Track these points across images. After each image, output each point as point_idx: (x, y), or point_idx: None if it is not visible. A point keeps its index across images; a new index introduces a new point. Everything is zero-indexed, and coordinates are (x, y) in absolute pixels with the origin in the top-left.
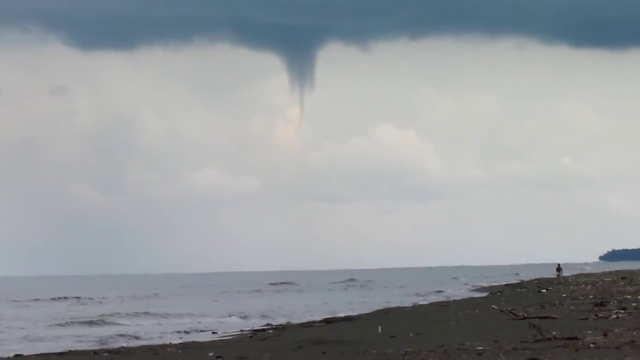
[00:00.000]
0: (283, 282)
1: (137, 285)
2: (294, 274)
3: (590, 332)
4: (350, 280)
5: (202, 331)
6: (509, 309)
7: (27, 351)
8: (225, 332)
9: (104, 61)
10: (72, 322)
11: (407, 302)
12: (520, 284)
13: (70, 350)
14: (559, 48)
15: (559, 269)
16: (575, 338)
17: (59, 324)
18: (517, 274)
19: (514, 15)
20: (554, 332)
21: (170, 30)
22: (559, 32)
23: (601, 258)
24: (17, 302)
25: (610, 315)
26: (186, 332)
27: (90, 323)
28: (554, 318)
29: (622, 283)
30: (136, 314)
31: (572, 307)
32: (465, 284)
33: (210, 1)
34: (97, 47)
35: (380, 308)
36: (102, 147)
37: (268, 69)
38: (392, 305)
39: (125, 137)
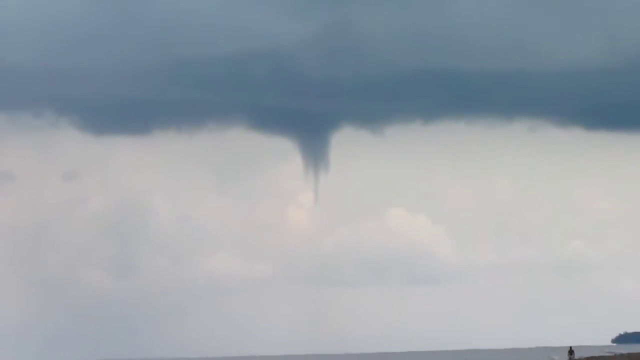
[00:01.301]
0: None
1: None
2: (306, 359)
3: None
4: None
5: None
6: None
7: None
8: None
9: (116, 146)
10: None
11: None
12: None
13: None
14: (572, 131)
15: (570, 351)
16: None
17: None
18: (530, 358)
19: (527, 98)
20: None
21: (183, 115)
22: (572, 115)
23: (613, 341)
24: None
25: None
26: None
27: None
28: None
29: None
30: None
31: None
32: None
33: (224, 86)
34: (109, 132)
35: None
36: (114, 232)
37: (280, 154)
38: None
39: (138, 222)
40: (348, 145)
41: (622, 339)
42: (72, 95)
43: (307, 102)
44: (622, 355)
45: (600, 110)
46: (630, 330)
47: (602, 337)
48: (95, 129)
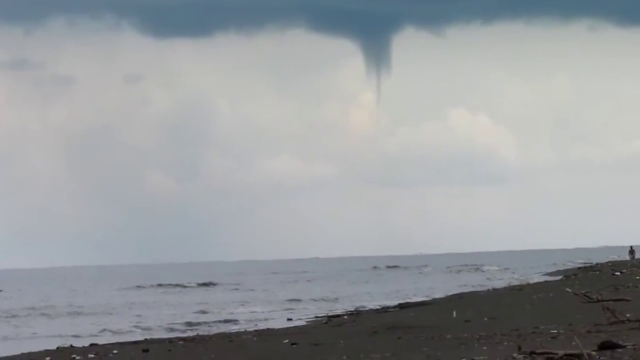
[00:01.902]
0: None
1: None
2: (366, 260)
3: None
4: (424, 265)
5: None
6: (582, 292)
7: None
8: (300, 318)
9: (177, 49)
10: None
11: (482, 286)
12: (594, 267)
13: (145, 339)
14: (633, 30)
15: (631, 251)
16: None
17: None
18: (590, 257)
19: None
20: (627, 315)
21: (244, 16)
22: (633, 14)
23: None
24: (147, 288)
25: None
26: (266, 319)
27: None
28: (627, 300)
29: None
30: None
31: None
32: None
33: None
34: (170, 35)
35: (454, 292)
36: (176, 135)
37: (341, 55)
38: (467, 289)
39: (199, 124)
40: (409, 46)
41: None
42: None
43: (368, 2)
44: None
45: None
46: None
47: None
48: (155, 31)
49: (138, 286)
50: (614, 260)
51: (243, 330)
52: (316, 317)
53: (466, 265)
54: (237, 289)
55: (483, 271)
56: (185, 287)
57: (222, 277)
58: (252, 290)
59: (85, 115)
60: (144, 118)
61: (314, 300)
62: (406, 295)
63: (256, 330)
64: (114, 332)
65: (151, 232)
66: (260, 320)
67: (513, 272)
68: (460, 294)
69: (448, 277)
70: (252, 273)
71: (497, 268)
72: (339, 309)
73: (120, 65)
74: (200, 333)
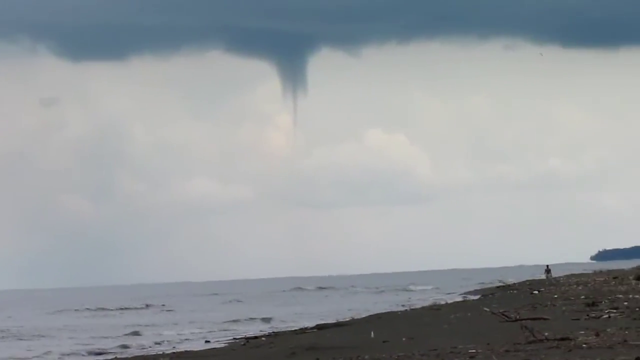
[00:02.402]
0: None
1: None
2: (283, 281)
3: (582, 332)
4: (345, 286)
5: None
6: (501, 311)
7: None
8: (217, 340)
9: (93, 72)
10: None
11: (400, 306)
12: (512, 286)
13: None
14: (549, 48)
15: (547, 270)
16: (567, 339)
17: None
18: (508, 276)
19: (503, 16)
20: (546, 333)
21: (161, 39)
22: (549, 33)
23: (592, 258)
24: (80, 311)
25: (602, 315)
26: (183, 340)
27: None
28: (546, 319)
29: (614, 282)
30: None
31: (564, 308)
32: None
33: (201, 9)
34: (86, 58)
35: (372, 313)
36: (92, 158)
37: (257, 77)
38: (385, 310)
39: (116, 147)
40: (325, 66)
41: (601, 256)
42: (48, 21)
43: (284, 23)
44: (601, 272)
45: (576, 27)
46: (609, 247)
47: (581, 255)
48: (71, 54)
49: (62, 310)
50: (532, 279)
51: (161, 352)
52: (234, 339)
53: (386, 285)
54: (171, 311)
55: (407, 291)
56: (110, 310)
57: (149, 299)
58: (184, 311)
59: (1, 138)
60: (60, 141)
61: (251, 319)
62: (339, 315)
63: (174, 353)
64: (61, 355)
65: (70, 256)
66: (178, 342)
67: (432, 292)
68: (379, 314)
69: (367, 297)
70: (178, 295)
71: (417, 288)
72: (280, 328)
73: (36, 88)
74: (119, 356)
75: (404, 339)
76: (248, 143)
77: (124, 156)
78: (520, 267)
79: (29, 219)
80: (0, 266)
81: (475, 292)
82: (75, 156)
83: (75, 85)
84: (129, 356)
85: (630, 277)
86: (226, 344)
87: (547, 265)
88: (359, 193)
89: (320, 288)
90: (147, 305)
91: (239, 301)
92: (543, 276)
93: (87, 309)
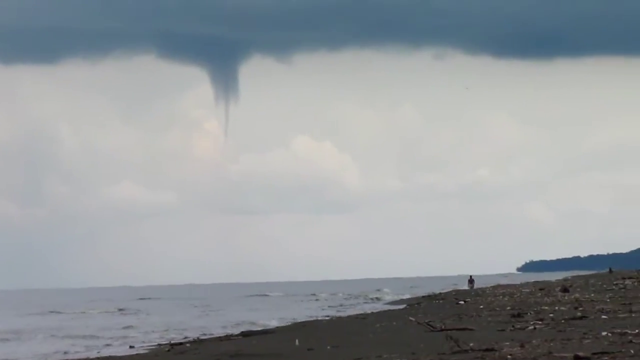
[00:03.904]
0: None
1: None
2: (210, 288)
3: (507, 343)
4: (266, 293)
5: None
6: (426, 320)
7: None
8: (142, 346)
9: (21, 74)
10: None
11: (325, 314)
12: (438, 296)
13: None
14: (481, 58)
15: (471, 280)
16: (492, 349)
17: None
18: (435, 286)
19: (434, 26)
20: (471, 344)
21: (91, 43)
22: (481, 43)
23: (519, 269)
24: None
25: (528, 327)
26: (107, 345)
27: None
28: (471, 330)
29: (540, 294)
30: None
31: (489, 319)
32: (382, 296)
33: (134, 13)
34: (15, 60)
35: (297, 321)
36: (19, 161)
37: (188, 82)
38: (310, 318)
39: (42, 150)
40: (256, 73)
41: (528, 267)
42: None
43: (216, 29)
44: (527, 283)
45: (510, 38)
46: (535, 258)
47: (507, 266)
48: (2, 57)
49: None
50: (457, 289)
51: (85, 358)
52: (159, 344)
53: (312, 293)
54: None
55: (328, 299)
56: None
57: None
58: (162, 316)
59: None
60: None
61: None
62: (250, 324)
63: (97, 358)
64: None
65: None
66: (100, 347)
67: (355, 299)
68: (304, 322)
69: (293, 304)
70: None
71: (342, 295)
72: (181, 336)
73: None
74: None
75: (328, 347)
76: (176, 148)
77: (50, 160)
78: (447, 277)
79: None
80: None
81: (401, 302)
82: (2, 159)
83: (4, 87)
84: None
85: (557, 289)
86: (150, 350)
87: (471, 276)
88: (287, 200)
89: (253, 295)
90: (120, 310)
91: (206, 306)
92: (467, 287)
93: (52, 311)
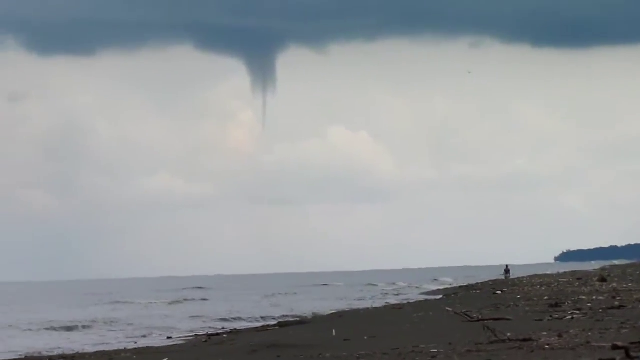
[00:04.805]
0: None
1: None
2: (247, 278)
3: (545, 333)
4: (308, 283)
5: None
6: (463, 311)
7: None
8: (180, 337)
9: (60, 66)
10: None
11: (362, 305)
12: (475, 286)
13: (26, 356)
14: (517, 47)
15: (507, 270)
16: (529, 339)
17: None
18: (471, 276)
19: (471, 14)
20: (508, 334)
21: (127, 34)
22: (519, 32)
23: (556, 259)
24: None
25: (565, 316)
26: (143, 336)
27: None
28: (508, 319)
29: (577, 284)
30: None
31: (526, 309)
32: (419, 286)
33: (170, 4)
34: (54, 52)
35: (334, 311)
36: (56, 153)
37: (224, 73)
38: (347, 308)
39: (80, 142)
40: (292, 63)
41: (565, 257)
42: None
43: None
44: (565, 273)
45: (548, 27)
46: (573, 248)
47: (545, 255)
48: (40, 49)
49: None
50: (494, 279)
51: (122, 348)
52: (196, 335)
53: (346, 282)
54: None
55: (371, 285)
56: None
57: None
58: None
59: None
60: (26, 136)
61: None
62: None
63: (136, 349)
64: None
65: (29, 250)
66: (139, 338)
67: (392, 290)
68: (341, 312)
69: (358, 294)
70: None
71: (383, 284)
72: (219, 326)
73: (4, 82)
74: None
75: (365, 338)
76: (212, 139)
77: (87, 151)
78: (484, 267)
79: None
80: None
81: (437, 292)
82: (38, 150)
83: (42, 79)
84: (91, 351)
85: (594, 279)
86: (187, 341)
87: (507, 266)
88: (322, 190)
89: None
90: (186, 299)
91: (271, 296)
92: (502, 276)
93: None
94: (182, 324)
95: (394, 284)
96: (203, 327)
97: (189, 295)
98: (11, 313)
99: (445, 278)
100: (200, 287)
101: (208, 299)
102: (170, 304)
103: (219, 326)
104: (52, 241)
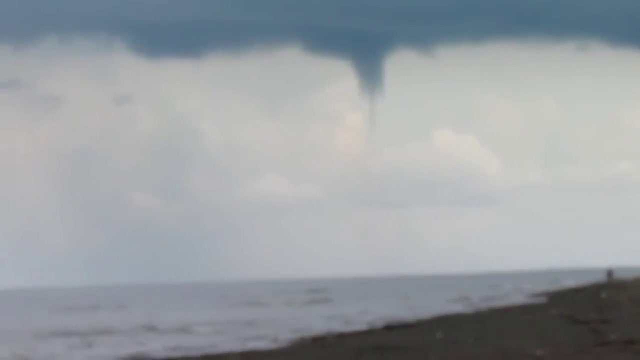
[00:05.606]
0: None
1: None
2: (355, 281)
3: None
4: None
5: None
6: (567, 313)
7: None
8: (285, 340)
9: (167, 69)
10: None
11: (468, 307)
12: (580, 289)
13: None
14: (624, 50)
15: (610, 273)
16: (634, 342)
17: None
18: (575, 278)
19: (580, 17)
20: (613, 336)
21: (234, 36)
22: (625, 34)
23: None
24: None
25: None
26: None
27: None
28: (612, 322)
29: None
30: None
31: (631, 311)
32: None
33: (278, 6)
34: (161, 55)
35: (440, 314)
36: (163, 156)
37: (329, 75)
38: (453, 311)
39: (187, 145)
40: (398, 65)
41: None
42: (125, 17)
43: (358, 23)
44: None
45: None
46: None
47: None
48: (147, 51)
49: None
50: (598, 282)
51: (228, 352)
52: (302, 338)
53: (453, 286)
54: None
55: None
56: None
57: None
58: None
59: (73, 136)
60: (132, 139)
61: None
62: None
63: (242, 352)
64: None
65: (137, 253)
66: (246, 339)
67: (498, 294)
68: (446, 315)
69: (432, 298)
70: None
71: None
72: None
73: (110, 85)
74: (188, 354)
75: (471, 340)
76: (319, 141)
77: (194, 154)
78: (590, 270)
79: (100, 216)
80: (70, 262)
81: (543, 294)
82: (146, 154)
83: (149, 82)
84: (199, 353)
85: None
86: (293, 343)
87: (610, 268)
88: (429, 193)
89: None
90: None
91: (405, 298)
92: (606, 279)
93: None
94: (329, 325)
95: (499, 286)
96: (359, 328)
97: (316, 298)
98: (147, 315)
99: (550, 281)
100: (317, 290)
101: (333, 299)
102: (304, 305)
103: (367, 327)
104: (159, 245)
